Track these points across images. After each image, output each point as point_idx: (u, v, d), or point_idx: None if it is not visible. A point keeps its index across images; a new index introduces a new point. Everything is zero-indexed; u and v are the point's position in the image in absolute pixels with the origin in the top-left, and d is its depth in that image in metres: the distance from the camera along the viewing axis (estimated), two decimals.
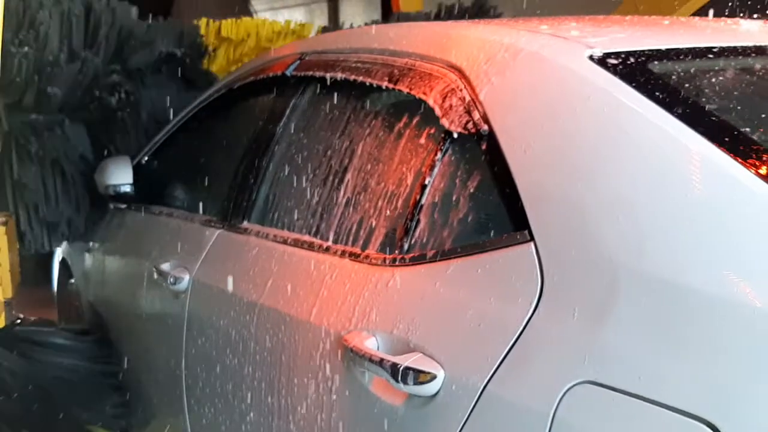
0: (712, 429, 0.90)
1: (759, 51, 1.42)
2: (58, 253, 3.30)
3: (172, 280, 2.03)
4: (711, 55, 1.39)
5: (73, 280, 3.13)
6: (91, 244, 2.82)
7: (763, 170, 1.05)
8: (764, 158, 1.08)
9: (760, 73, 1.39)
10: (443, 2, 4.00)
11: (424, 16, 4.13)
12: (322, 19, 10.45)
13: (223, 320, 1.81)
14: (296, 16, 10.74)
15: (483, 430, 1.13)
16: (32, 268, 3.20)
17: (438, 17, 3.95)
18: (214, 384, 1.85)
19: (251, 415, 1.70)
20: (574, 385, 1.03)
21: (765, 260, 0.98)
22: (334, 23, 9.22)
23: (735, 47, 1.42)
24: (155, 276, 2.14)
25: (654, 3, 4.23)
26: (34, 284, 3.31)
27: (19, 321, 2.54)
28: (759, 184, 1.03)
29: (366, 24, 3.77)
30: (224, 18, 3.93)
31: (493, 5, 4.06)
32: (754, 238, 1.00)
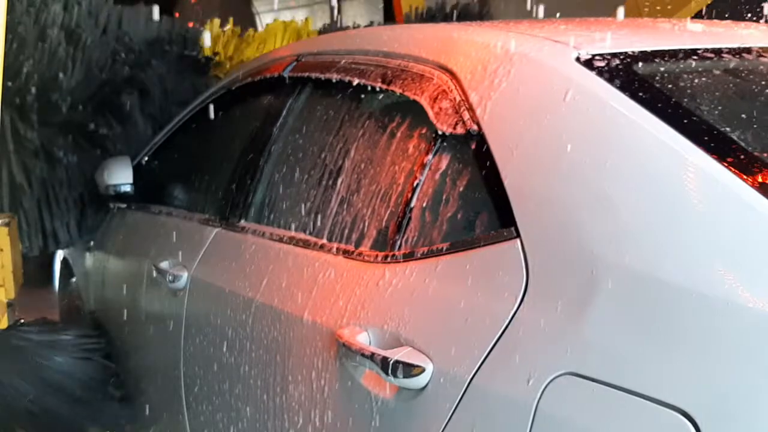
0: (689, 420, 0.93)
1: (744, 52, 1.44)
2: (60, 253, 3.32)
3: (170, 278, 2.05)
4: (696, 57, 1.40)
5: (74, 279, 3.16)
6: (92, 243, 2.85)
7: (743, 170, 1.07)
8: (745, 158, 1.10)
9: (743, 74, 1.41)
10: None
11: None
12: (323, 21, 10.43)
13: (220, 317, 1.84)
14: (298, 17, 10.72)
15: (469, 422, 1.16)
16: (34, 268, 3.22)
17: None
18: (212, 380, 1.88)
19: (248, 410, 1.72)
20: (557, 377, 1.05)
21: (744, 256, 1.00)
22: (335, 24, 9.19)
23: (720, 48, 1.44)
24: (154, 274, 2.17)
25: (656, 4, 4.22)
26: (36, 284, 3.33)
27: (22, 322, 2.56)
28: (739, 183, 1.05)
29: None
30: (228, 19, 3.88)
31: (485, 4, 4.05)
32: (732, 235, 1.03)
